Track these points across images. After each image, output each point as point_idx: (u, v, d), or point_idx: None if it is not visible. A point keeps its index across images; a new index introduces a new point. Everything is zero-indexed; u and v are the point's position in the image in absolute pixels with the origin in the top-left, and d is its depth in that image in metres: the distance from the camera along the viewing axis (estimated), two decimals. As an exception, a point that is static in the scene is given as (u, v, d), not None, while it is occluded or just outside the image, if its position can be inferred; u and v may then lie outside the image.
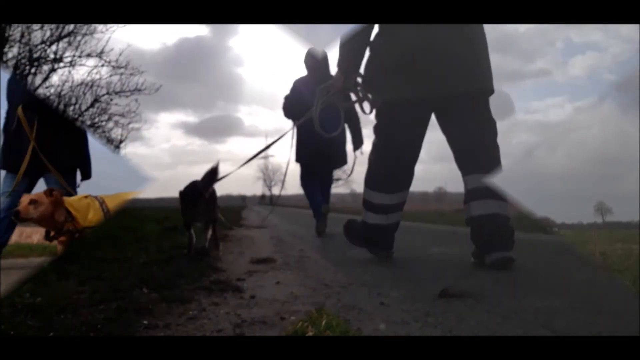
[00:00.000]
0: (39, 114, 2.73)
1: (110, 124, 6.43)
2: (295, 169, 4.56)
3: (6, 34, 5.26)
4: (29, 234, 4.27)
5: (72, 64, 5.92)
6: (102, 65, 6.10)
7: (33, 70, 5.59)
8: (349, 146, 4.28)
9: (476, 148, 2.17)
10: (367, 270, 2.05)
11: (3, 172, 2.72)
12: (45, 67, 5.73)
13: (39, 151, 2.64)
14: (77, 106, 6.00)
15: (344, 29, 2.45)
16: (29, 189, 2.70)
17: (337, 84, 2.41)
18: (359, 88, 2.38)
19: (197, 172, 2.75)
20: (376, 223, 2.35)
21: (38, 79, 5.67)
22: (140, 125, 6.69)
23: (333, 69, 2.49)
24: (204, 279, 1.84)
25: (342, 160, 4.35)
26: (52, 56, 5.75)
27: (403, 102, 2.19)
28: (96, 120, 6.27)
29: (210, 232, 2.65)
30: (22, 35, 5.44)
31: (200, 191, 2.51)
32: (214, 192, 2.67)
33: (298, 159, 4.29)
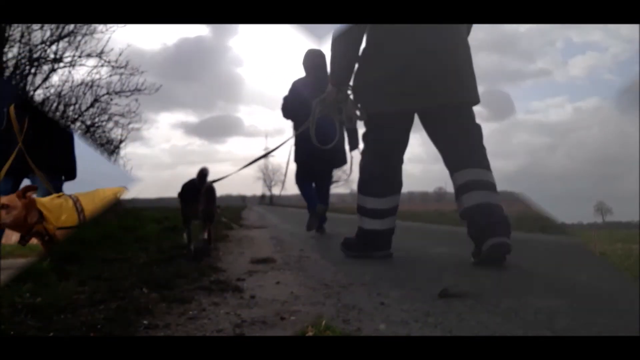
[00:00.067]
0: (30, 113, 2.73)
1: (110, 124, 6.42)
2: (295, 169, 4.60)
3: (6, 34, 5.25)
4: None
5: (72, 64, 5.92)
6: (102, 65, 6.10)
7: (33, 70, 5.58)
8: (348, 146, 4.28)
9: (463, 148, 2.27)
10: (367, 270, 2.05)
11: None
12: (45, 67, 5.73)
13: (25, 152, 2.61)
14: (77, 106, 6.00)
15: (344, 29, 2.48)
16: (13, 189, 2.67)
17: (330, 97, 2.51)
18: (350, 100, 2.47)
19: (197, 173, 2.77)
20: (372, 228, 2.42)
21: (38, 79, 5.66)
22: (140, 125, 6.67)
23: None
24: (204, 279, 1.85)
25: (341, 160, 4.36)
26: (52, 56, 5.74)
27: (389, 114, 2.30)
28: (96, 120, 6.27)
29: (206, 231, 2.72)
30: (22, 35, 5.44)
31: (198, 188, 2.59)
32: (212, 192, 2.71)
33: (297, 159, 4.30)
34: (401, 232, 2.71)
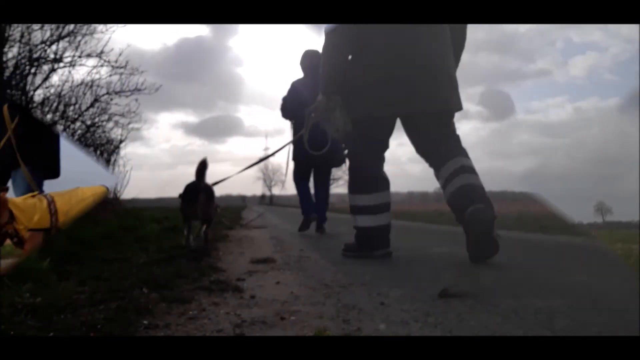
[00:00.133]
0: (20, 113, 2.76)
1: (110, 124, 6.41)
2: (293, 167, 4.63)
3: (6, 34, 5.25)
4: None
5: (72, 64, 5.90)
6: (102, 65, 6.08)
7: (33, 70, 5.58)
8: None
9: (444, 147, 2.43)
10: (367, 270, 2.05)
11: None
12: (45, 67, 5.72)
13: (15, 146, 2.61)
14: (77, 106, 5.99)
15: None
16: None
17: (320, 105, 2.61)
18: (339, 109, 2.57)
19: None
20: (367, 225, 2.48)
21: (38, 79, 5.65)
22: (140, 125, 6.65)
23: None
24: (204, 279, 1.84)
25: (339, 159, 4.38)
26: (52, 56, 5.74)
27: (372, 119, 2.43)
28: (96, 120, 6.25)
29: (203, 230, 2.81)
30: (22, 35, 5.43)
31: (197, 187, 2.67)
32: (211, 192, 2.78)
33: (295, 157, 4.33)
34: (401, 232, 2.72)
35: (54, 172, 2.92)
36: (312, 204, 4.55)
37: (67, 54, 5.84)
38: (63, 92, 5.82)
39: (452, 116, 2.51)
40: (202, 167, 2.70)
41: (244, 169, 3.11)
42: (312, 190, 4.68)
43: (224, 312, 1.35)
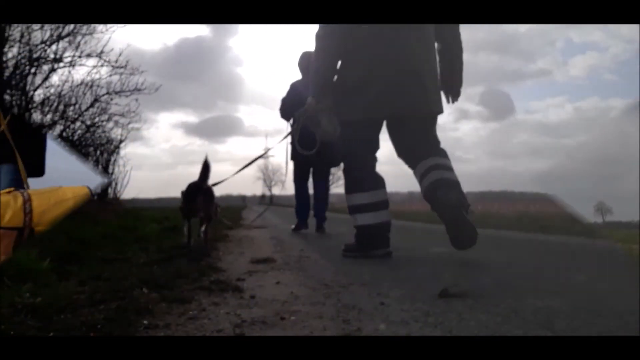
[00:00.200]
0: (10, 113, 2.78)
1: (110, 124, 6.40)
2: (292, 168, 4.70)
3: (6, 34, 5.25)
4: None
5: (72, 64, 5.90)
6: (102, 65, 6.08)
7: (33, 70, 5.57)
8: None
9: (424, 147, 2.55)
10: (367, 270, 2.05)
11: None
12: (45, 67, 5.71)
13: (9, 137, 2.61)
14: (77, 106, 5.98)
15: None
16: None
17: (310, 108, 2.70)
18: (328, 113, 2.68)
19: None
20: (366, 223, 2.50)
21: (38, 79, 5.65)
22: (140, 125, 6.65)
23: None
24: (204, 279, 1.84)
25: (337, 159, 4.41)
26: (52, 56, 5.73)
27: (360, 121, 2.52)
28: (96, 120, 6.25)
29: (203, 230, 2.83)
30: (22, 35, 5.43)
31: (199, 187, 2.71)
32: (212, 193, 2.84)
33: (293, 157, 4.41)
34: (401, 232, 2.72)
35: (39, 170, 2.93)
36: (306, 209, 4.69)
37: (67, 54, 5.85)
38: (63, 92, 5.83)
39: (436, 119, 2.63)
40: (206, 168, 2.74)
41: (240, 169, 3.15)
42: (311, 190, 4.73)
43: (224, 312, 1.35)
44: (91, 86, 6.02)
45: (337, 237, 3.77)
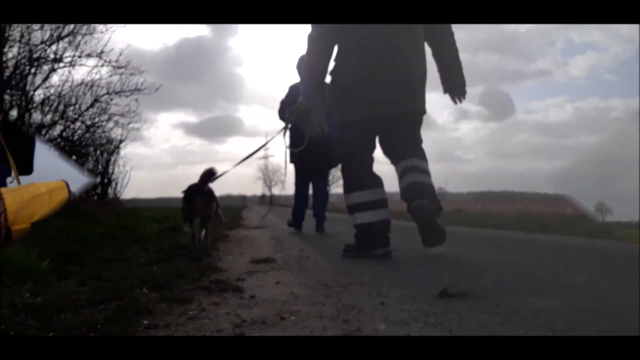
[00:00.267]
0: (1, 114, 2.80)
1: (110, 124, 6.39)
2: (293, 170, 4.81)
3: (6, 34, 5.24)
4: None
5: (72, 64, 5.89)
6: (102, 65, 6.07)
7: (33, 70, 5.57)
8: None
9: (405, 148, 2.65)
10: (367, 270, 2.05)
11: None
12: (45, 67, 5.71)
13: (1, 139, 2.61)
14: (77, 106, 5.98)
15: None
16: None
17: (301, 106, 2.78)
18: (318, 112, 2.77)
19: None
20: (366, 222, 2.52)
21: (38, 79, 5.64)
22: (140, 125, 6.63)
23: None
24: (204, 279, 1.84)
25: (335, 160, 4.56)
26: (52, 56, 5.73)
27: (354, 121, 2.57)
28: (96, 120, 6.24)
29: (203, 230, 2.91)
30: (22, 35, 5.43)
31: (199, 188, 2.77)
32: (211, 193, 2.92)
33: (292, 160, 4.56)
34: (401, 232, 2.72)
35: (27, 168, 2.94)
36: (302, 213, 4.82)
37: (67, 54, 5.84)
38: (63, 92, 5.82)
39: (421, 119, 2.71)
40: (208, 175, 2.80)
41: (236, 164, 3.21)
42: (311, 190, 4.80)
43: (224, 312, 1.35)
44: (91, 86, 6.02)
45: (337, 237, 3.77)
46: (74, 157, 5.94)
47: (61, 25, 5.60)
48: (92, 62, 6.08)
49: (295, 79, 4.54)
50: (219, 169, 2.90)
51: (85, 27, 5.78)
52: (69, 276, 1.80)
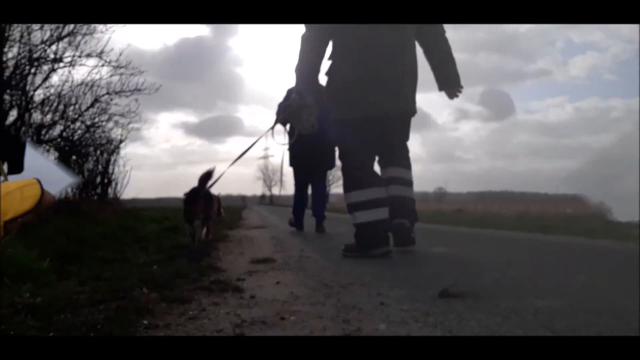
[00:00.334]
0: None
1: (110, 124, 6.39)
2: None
3: (6, 34, 5.24)
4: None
5: (72, 64, 5.89)
6: (102, 65, 6.06)
7: (33, 70, 5.57)
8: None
9: (394, 152, 2.75)
10: (367, 270, 2.05)
11: None
12: (45, 67, 5.70)
13: None
14: (77, 106, 5.97)
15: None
16: None
17: (294, 103, 2.88)
18: (309, 110, 2.88)
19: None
20: (365, 220, 2.52)
21: (38, 79, 5.64)
22: (140, 125, 6.62)
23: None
24: (204, 279, 1.84)
25: (331, 163, 4.71)
26: (52, 56, 5.72)
27: (351, 120, 2.60)
28: (96, 120, 6.23)
29: (204, 229, 3.08)
30: (22, 35, 5.42)
31: (198, 191, 2.89)
32: (210, 195, 3.07)
33: (291, 163, 4.69)
34: (401, 232, 2.70)
35: (18, 166, 2.97)
36: (303, 213, 4.89)
37: (67, 54, 5.83)
38: (63, 92, 5.82)
39: (410, 121, 2.80)
40: (206, 177, 2.91)
41: (231, 163, 3.28)
42: (311, 190, 4.88)
43: (224, 312, 1.35)
44: (91, 86, 6.01)
45: (337, 237, 3.77)
46: (74, 157, 5.94)
47: (61, 25, 5.59)
48: (92, 62, 6.08)
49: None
50: (219, 169, 3.01)
51: (85, 27, 5.78)
52: (69, 276, 1.80)
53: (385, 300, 1.45)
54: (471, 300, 1.41)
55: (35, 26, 5.43)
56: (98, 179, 6.35)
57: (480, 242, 3.55)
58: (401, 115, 2.70)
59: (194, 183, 3.06)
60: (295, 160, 4.65)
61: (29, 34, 5.43)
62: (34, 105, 5.56)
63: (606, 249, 3.02)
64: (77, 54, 5.86)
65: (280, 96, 4.70)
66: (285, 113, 2.99)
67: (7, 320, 1.16)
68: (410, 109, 2.71)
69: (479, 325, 1.15)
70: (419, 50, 2.77)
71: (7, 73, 5.26)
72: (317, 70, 2.69)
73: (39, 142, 5.35)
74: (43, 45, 5.56)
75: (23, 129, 5.26)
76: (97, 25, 5.82)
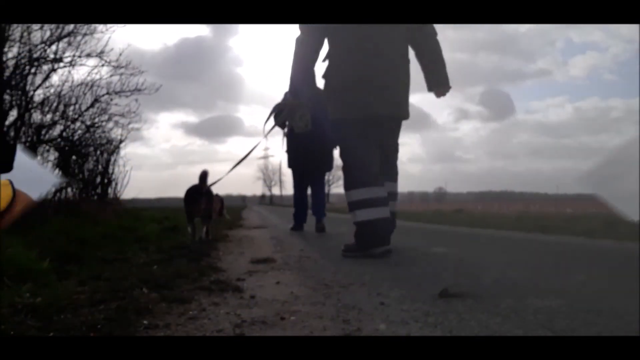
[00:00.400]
0: None
1: (110, 124, 6.38)
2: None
3: (6, 34, 5.24)
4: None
5: (72, 64, 5.88)
6: (102, 65, 6.06)
7: (33, 70, 5.56)
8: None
9: (392, 160, 2.80)
10: (367, 270, 2.05)
11: None
12: (45, 67, 5.70)
13: None
14: (77, 106, 5.97)
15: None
16: None
17: (288, 103, 2.94)
18: (304, 110, 2.92)
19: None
20: (366, 219, 2.52)
21: (38, 79, 5.64)
22: (140, 125, 6.62)
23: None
24: (204, 279, 1.84)
25: (329, 164, 4.78)
26: (52, 56, 5.72)
27: (351, 120, 2.62)
28: (96, 120, 6.23)
29: (205, 228, 3.14)
30: (22, 35, 5.42)
31: (198, 190, 2.96)
32: (210, 194, 3.12)
33: (290, 165, 4.74)
34: (401, 232, 2.71)
35: (7, 166, 2.98)
36: (303, 214, 4.89)
37: (67, 54, 5.83)
38: (63, 92, 5.81)
39: (400, 125, 2.85)
40: (203, 176, 3.02)
41: (234, 166, 3.30)
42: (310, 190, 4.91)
43: (224, 312, 1.35)
44: (91, 86, 6.00)
45: (337, 237, 3.77)
46: (74, 157, 5.94)
47: (61, 25, 5.59)
48: (92, 62, 6.07)
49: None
50: (219, 169, 3.04)
51: (85, 27, 5.78)
52: (69, 276, 1.80)
53: (385, 300, 1.45)
54: (471, 300, 1.41)
55: (35, 26, 5.42)
56: (98, 179, 6.35)
57: (480, 242, 3.55)
58: (396, 117, 2.74)
59: (193, 183, 3.12)
60: (293, 161, 4.67)
61: (29, 34, 5.43)
62: (34, 105, 5.56)
63: (606, 249, 3.02)
64: (77, 54, 5.85)
65: (280, 96, 4.71)
66: (283, 114, 3.05)
67: (7, 320, 1.17)
68: (404, 112, 2.75)
69: (479, 325, 1.15)
70: (411, 52, 2.80)
71: (7, 73, 5.26)
72: (311, 71, 2.74)
73: (39, 142, 5.34)
74: (43, 45, 5.55)
75: (23, 128, 5.26)
76: (97, 25, 5.82)
